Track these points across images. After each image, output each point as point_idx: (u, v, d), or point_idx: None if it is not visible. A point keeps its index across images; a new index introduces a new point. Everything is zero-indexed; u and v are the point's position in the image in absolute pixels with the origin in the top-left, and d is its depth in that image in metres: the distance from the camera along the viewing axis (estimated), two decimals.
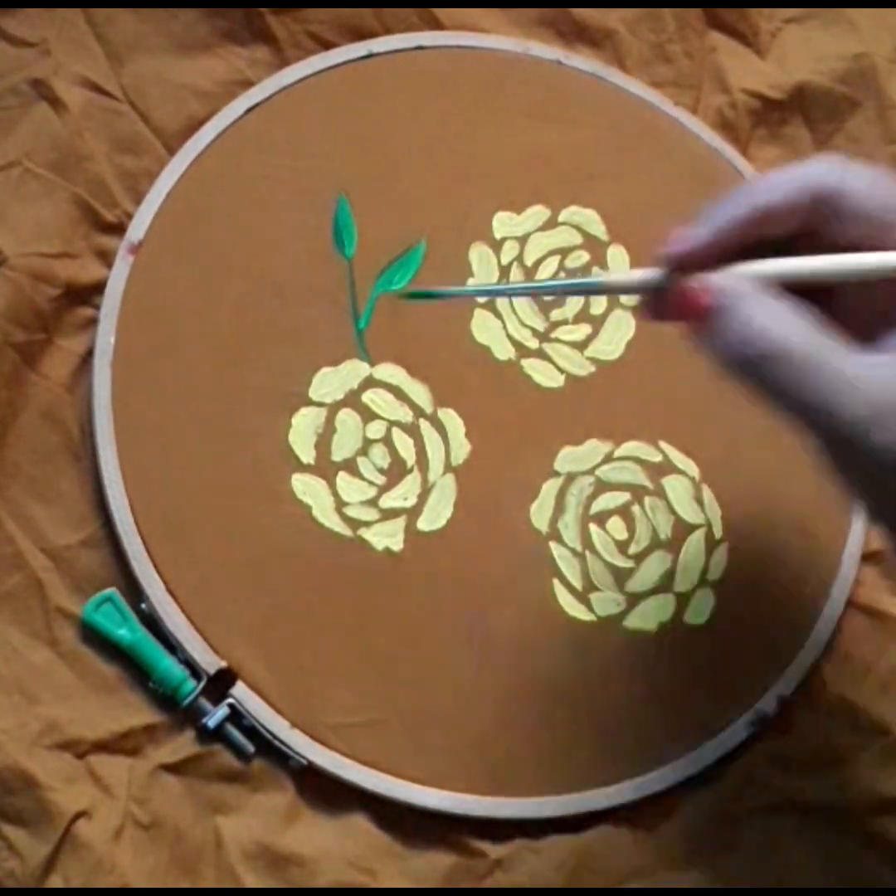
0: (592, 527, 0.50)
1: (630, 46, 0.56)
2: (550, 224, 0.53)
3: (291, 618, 0.48)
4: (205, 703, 0.47)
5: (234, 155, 0.52)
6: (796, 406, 0.37)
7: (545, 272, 0.53)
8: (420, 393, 0.50)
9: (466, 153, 0.53)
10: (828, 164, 0.38)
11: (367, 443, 0.50)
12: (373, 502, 0.49)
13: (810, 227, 0.39)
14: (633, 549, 0.50)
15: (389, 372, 0.50)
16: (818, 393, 0.37)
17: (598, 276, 0.42)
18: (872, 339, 0.39)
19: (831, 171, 0.38)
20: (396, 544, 0.49)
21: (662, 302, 0.40)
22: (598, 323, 0.52)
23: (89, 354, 0.50)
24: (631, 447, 0.51)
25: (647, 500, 0.51)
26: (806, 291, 0.39)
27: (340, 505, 0.49)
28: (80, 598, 0.48)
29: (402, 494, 0.49)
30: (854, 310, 0.39)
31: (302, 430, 0.49)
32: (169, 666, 0.47)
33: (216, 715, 0.47)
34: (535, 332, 0.52)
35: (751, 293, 0.38)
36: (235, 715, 0.47)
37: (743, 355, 0.38)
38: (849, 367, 0.37)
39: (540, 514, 0.50)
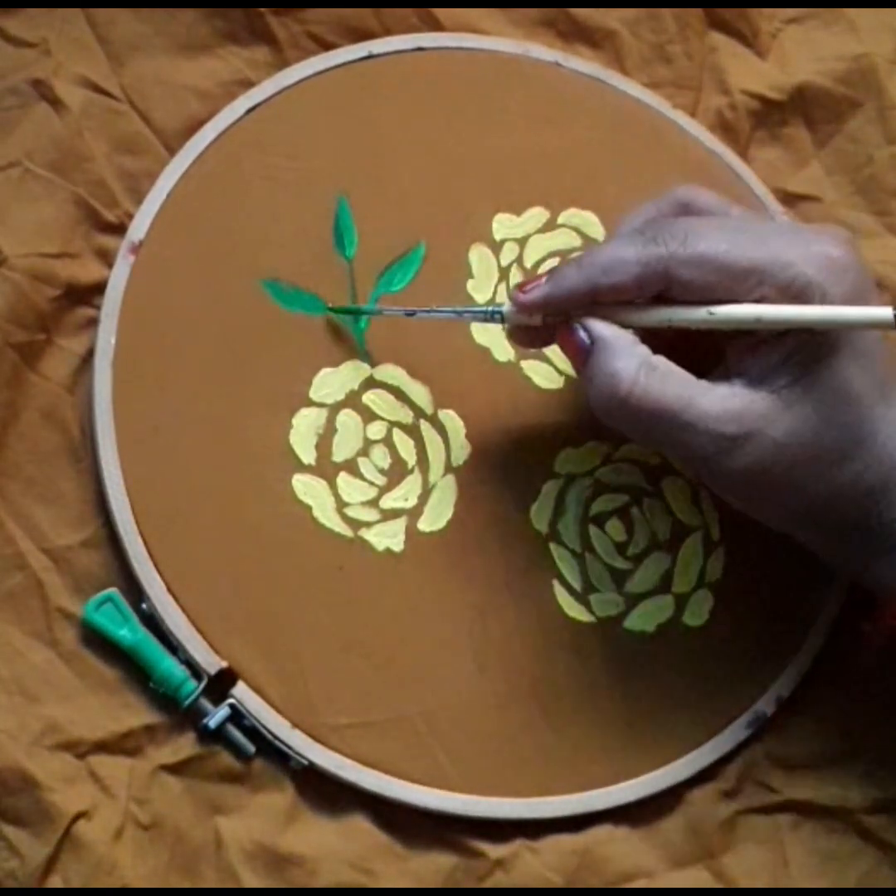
0: (592, 528, 0.50)
1: (630, 47, 0.56)
2: (550, 226, 0.53)
3: (292, 618, 0.48)
4: (205, 703, 0.47)
5: (235, 155, 0.52)
6: (656, 445, 0.46)
7: None
8: (420, 394, 0.50)
9: (466, 155, 0.53)
10: (658, 254, 0.43)
11: (368, 443, 0.50)
12: (373, 503, 0.49)
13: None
14: (631, 551, 0.51)
15: (390, 373, 0.50)
16: (672, 436, 0.43)
17: (499, 305, 0.47)
18: (703, 371, 0.44)
19: (660, 259, 0.43)
20: (397, 545, 0.49)
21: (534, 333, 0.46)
22: None
23: (90, 354, 0.50)
24: (630, 449, 0.51)
25: (645, 501, 0.51)
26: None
27: (341, 505, 0.49)
28: (81, 599, 0.48)
29: (403, 495, 0.49)
30: (688, 347, 0.45)
31: (302, 431, 0.49)
32: (170, 666, 0.47)
33: (217, 715, 0.47)
34: None
35: (616, 340, 0.44)
36: (236, 715, 0.47)
37: (606, 401, 0.44)
38: (700, 408, 0.43)
39: (540, 515, 0.50)
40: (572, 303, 0.44)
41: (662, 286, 0.43)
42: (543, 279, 0.45)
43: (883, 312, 0.42)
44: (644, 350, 0.44)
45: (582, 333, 0.44)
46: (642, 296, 0.44)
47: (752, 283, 0.42)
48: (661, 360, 0.44)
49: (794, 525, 0.46)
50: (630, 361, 0.43)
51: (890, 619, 0.45)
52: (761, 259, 0.42)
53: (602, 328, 0.44)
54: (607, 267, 0.43)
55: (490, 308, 0.47)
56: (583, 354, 0.44)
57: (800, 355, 0.43)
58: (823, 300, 0.42)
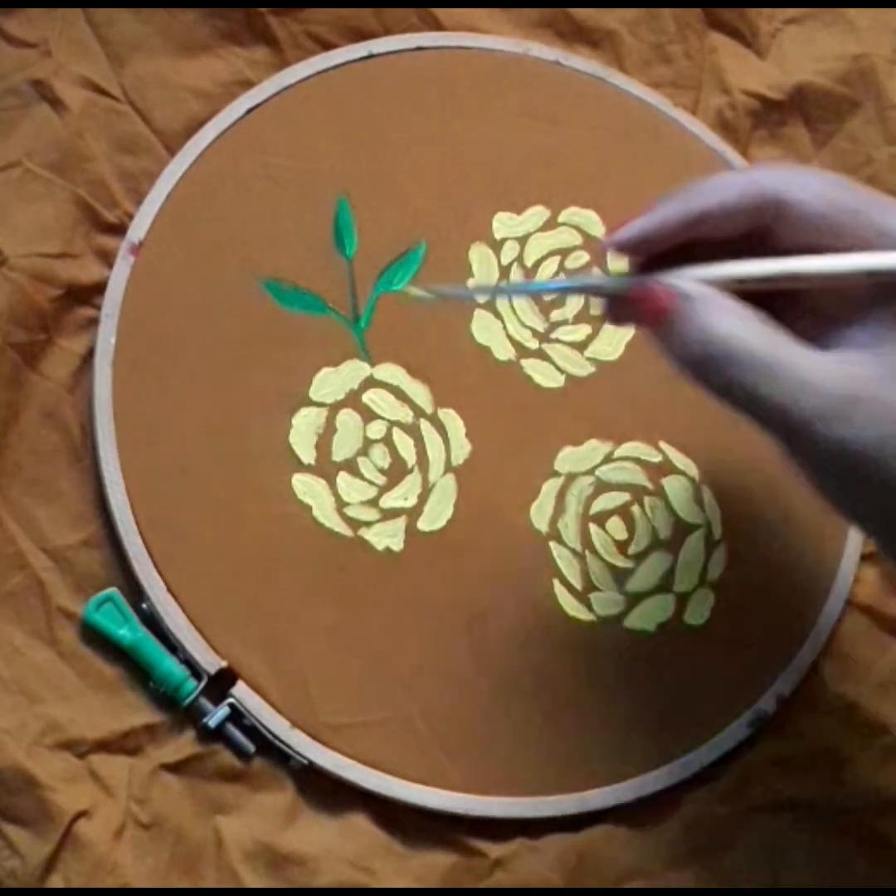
0: (592, 527, 0.50)
1: (630, 47, 0.56)
2: (550, 224, 0.53)
3: (292, 617, 0.48)
4: (205, 702, 0.47)
5: (235, 155, 0.52)
6: (754, 405, 0.38)
7: (545, 273, 0.53)
8: (420, 393, 0.50)
9: (466, 153, 0.53)
10: (774, 172, 0.39)
11: (368, 443, 0.50)
12: (373, 502, 0.49)
13: (753, 230, 0.39)
14: (632, 550, 0.50)
15: (390, 372, 0.50)
16: (774, 392, 0.38)
17: (586, 278, 0.43)
18: (816, 339, 0.39)
19: (777, 177, 0.39)
20: (397, 544, 0.49)
21: (624, 305, 0.42)
22: (597, 323, 0.52)
23: (90, 355, 0.50)
24: (631, 447, 0.51)
25: (646, 500, 0.51)
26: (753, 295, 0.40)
27: (341, 505, 0.49)
28: (81, 598, 0.48)
29: (403, 494, 0.49)
30: (798, 311, 0.40)
31: (302, 431, 0.49)
32: (170, 666, 0.47)
33: (217, 714, 0.47)
34: (535, 332, 0.52)
35: (710, 296, 0.39)
36: (236, 714, 0.47)
37: (704, 356, 0.39)
38: (803, 365, 0.37)
39: (540, 514, 0.50)
40: (666, 233, 0.40)
41: (769, 213, 0.39)
42: (627, 223, 0.41)
43: None
44: (735, 304, 0.39)
45: (665, 291, 0.39)
46: (745, 227, 0.39)
47: (868, 219, 0.38)
48: (757, 315, 0.39)
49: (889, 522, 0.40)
50: (721, 317, 0.38)
51: None
52: (881, 198, 0.39)
53: (688, 284, 0.39)
54: (707, 188, 0.39)
55: (587, 280, 0.43)
56: (665, 314, 0.39)
57: None
58: None
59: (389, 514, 0.49)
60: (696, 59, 0.56)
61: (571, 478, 0.51)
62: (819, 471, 0.39)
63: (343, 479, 0.49)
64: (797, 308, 0.41)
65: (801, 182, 0.39)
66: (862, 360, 0.38)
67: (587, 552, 0.50)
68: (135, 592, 0.48)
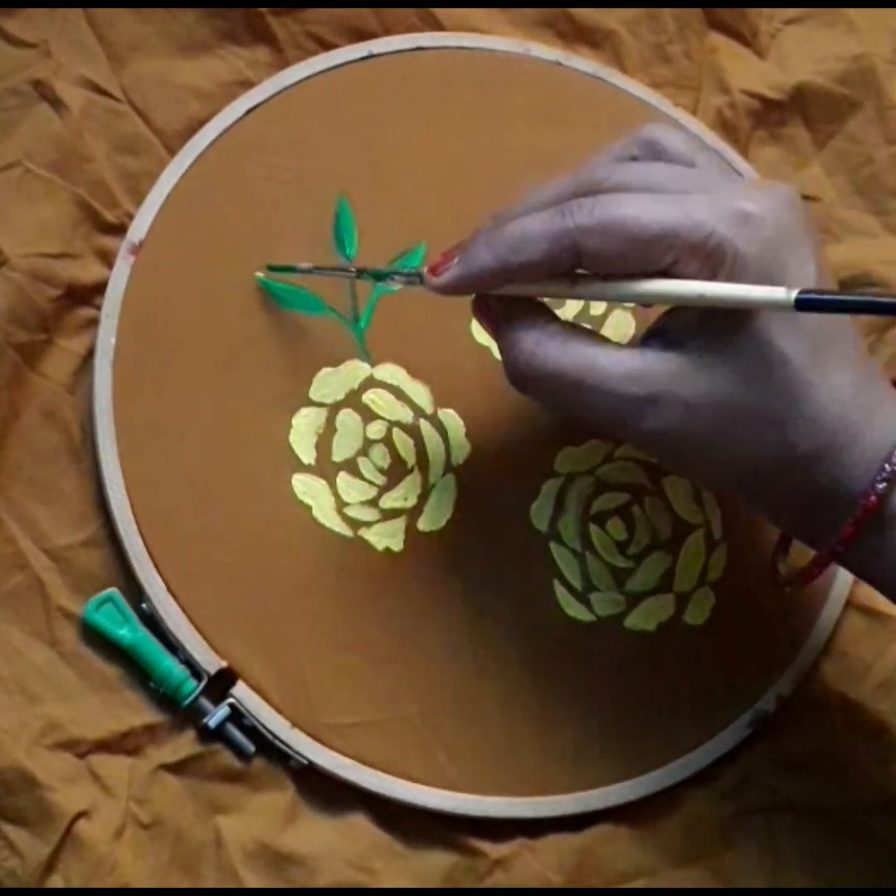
0: (592, 527, 0.50)
1: (630, 47, 0.56)
2: None
3: (292, 618, 0.48)
4: (205, 702, 0.47)
5: (235, 155, 0.52)
6: (572, 413, 0.43)
7: None
8: (420, 393, 0.50)
9: (466, 154, 0.53)
10: (576, 220, 0.41)
11: (368, 443, 0.50)
12: (373, 502, 0.49)
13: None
14: (632, 550, 0.50)
15: (390, 372, 0.51)
16: (584, 402, 0.42)
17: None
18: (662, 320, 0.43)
19: (566, 232, 0.41)
20: (397, 544, 0.49)
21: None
22: (597, 324, 0.52)
23: (90, 355, 0.50)
24: (631, 447, 0.51)
25: (646, 500, 0.51)
26: None
27: (341, 505, 0.49)
28: (81, 598, 0.48)
29: (403, 495, 0.49)
30: None
31: (302, 431, 0.49)
32: (170, 666, 0.47)
33: (217, 715, 0.47)
34: None
35: (521, 320, 0.43)
36: (236, 715, 0.47)
37: (518, 374, 0.43)
38: (607, 371, 0.41)
39: (540, 514, 0.50)
40: (486, 283, 0.43)
41: (574, 261, 0.41)
42: (455, 259, 0.43)
43: (779, 294, 0.38)
44: (543, 319, 0.43)
45: (488, 308, 0.44)
46: (556, 271, 0.42)
47: (663, 248, 0.40)
48: (561, 327, 0.42)
49: (724, 487, 0.45)
50: (528, 332, 0.42)
51: (807, 575, 0.44)
52: (671, 222, 0.40)
53: (511, 307, 0.43)
54: (515, 246, 0.41)
55: (415, 271, 0.45)
56: (494, 326, 0.44)
57: (716, 315, 0.40)
58: (735, 260, 0.39)
59: (389, 514, 0.49)
60: (696, 59, 0.56)
61: (571, 478, 0.51)
62: (650, 454, 0.44)
63: (343, 479, 0.49)
64: None
65: (602, 227, 0.40)
66: (660, 357, 0.41)
67: (587, 552, 0.50)
68: (135, 592, 0.48)
